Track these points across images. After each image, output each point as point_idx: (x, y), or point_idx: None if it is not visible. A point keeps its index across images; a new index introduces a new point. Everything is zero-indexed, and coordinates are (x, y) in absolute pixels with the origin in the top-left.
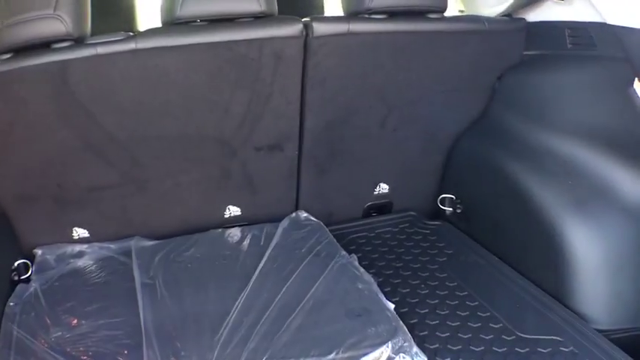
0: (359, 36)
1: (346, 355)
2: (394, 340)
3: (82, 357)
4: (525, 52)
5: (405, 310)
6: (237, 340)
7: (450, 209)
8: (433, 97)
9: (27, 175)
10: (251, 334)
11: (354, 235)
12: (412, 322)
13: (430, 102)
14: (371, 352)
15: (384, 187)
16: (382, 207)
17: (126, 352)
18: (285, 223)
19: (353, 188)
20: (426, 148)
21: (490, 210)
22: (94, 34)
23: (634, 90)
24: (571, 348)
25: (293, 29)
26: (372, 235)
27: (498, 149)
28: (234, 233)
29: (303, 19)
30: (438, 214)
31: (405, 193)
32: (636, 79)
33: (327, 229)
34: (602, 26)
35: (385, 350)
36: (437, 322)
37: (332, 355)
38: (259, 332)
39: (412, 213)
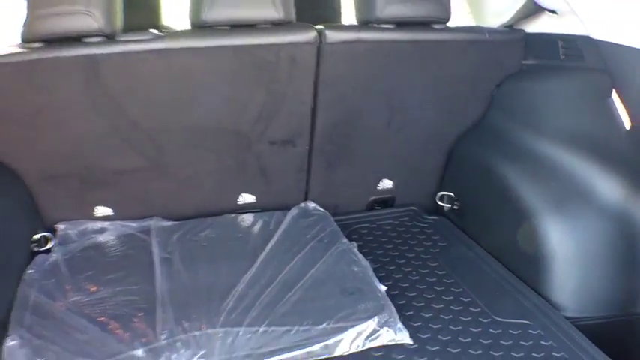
0: (368, 43)
1: (336, 325)
2: (381, 316)
3: (99, 318)
4: (524, 62)
5: (396, 292)
6: (242, 309)
7: (448, 206)
8: (435, 101)
9: (55, 156)
10: (254, 304)
11: (357, 226)
12: (400, 302)
13: (432, 106)
14: (359, 324)
15: (387, 183)
16: (385, 201)
17: (141, 314)
18: (294, 211)
19: (358, 183)
20: (427, 148)
21: (482, 207)
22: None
23: (612, 100)
24: (538, 331)
25: (307, 36)
26: (374, 226)
27: (493, 152)
28: (247, 218)
29: (317, 27)
30: (437, 210)
31: (407, 189)
32: (614, 89)
33: (332, 219)
34: (588, 39)
35: (372, 323)
36: (422, 304)
37: (324, 325)
38: (261, 303)
39: (413, 208)
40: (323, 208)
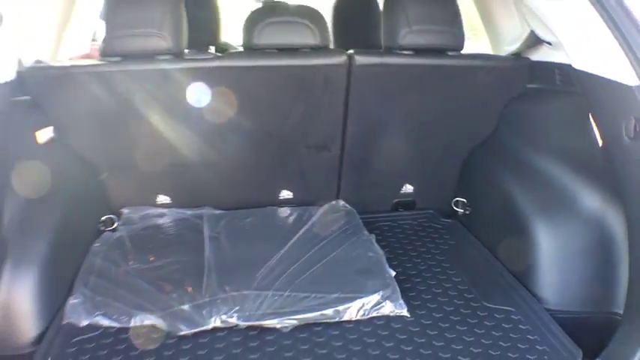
0: (390, 67)
1: (347, 295)
2: (385, 291)
3: (157, 281)
4: (529, 86)
5: (403, 277)
6: (271, 278)
7: (462, 210)
8: (450, 118)
9: (123, 151)
10: (281, 275)
11: (380, 224)
12: (406, 285)
13: (447, 122)
14: (365, 296)
15: (409, 188)
16: (407, 204)
17: (190, 279)
18: (325, 207)
19: (383, 186)
20: (444, 158)
21: (488, 212)
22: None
23: (590, 121)
24: (519, 317)
25: (339, 59)
26: (395, 224)
27: (498, 164)
28: (284, 211)
29: (348, 52)
30: (453, 214)
31: (426, 194)
32: (590, 113)
33: (358, 216)
34: (572, 68)
35: (376, 296)
36: (424, 288)
37: (336, 295)
38: (287, 275)
39: (431, 211)
40: (351, 206)
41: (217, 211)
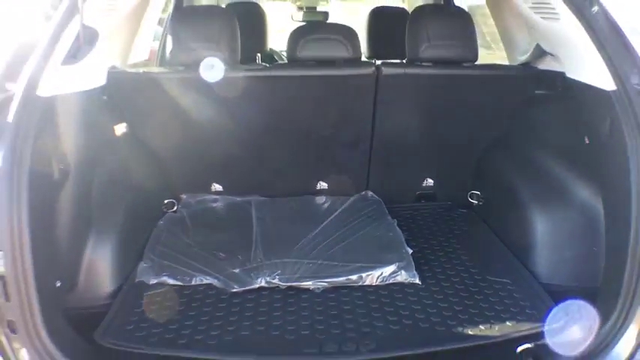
0: (412, 76)
1: (369, 265)
2: (401, 263)
3: (213, 250)
4: (537, 92)
5: (419, 255)
6: (307, 250)
7: (476, 202)
8: (465, 120)
9: (185, 144)
10: (315, 248)
11: (403, 212)
12: (420, 261)
13: (463, 123)
14: (384, 266)
15: (429, 182)
16: (428, 196)
17: (240, 249)
18: (356, 197)
19: (407, 179)
20: (460, 156)
21: (497, 203)
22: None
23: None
24: (514, 287)
25: (368, 70)
26: (416, 213)
27: (507, 161)
28: (320, 199)
29: (376, 63)
30: (468, 205)
31: (445, 187)
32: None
33: (384, 205)
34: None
35: (393, 267)
36: (436, 263)
37: (360, 264)
38: (320, 248)
39: (449, 203)
40: (378, 196)
41: (263, 198)
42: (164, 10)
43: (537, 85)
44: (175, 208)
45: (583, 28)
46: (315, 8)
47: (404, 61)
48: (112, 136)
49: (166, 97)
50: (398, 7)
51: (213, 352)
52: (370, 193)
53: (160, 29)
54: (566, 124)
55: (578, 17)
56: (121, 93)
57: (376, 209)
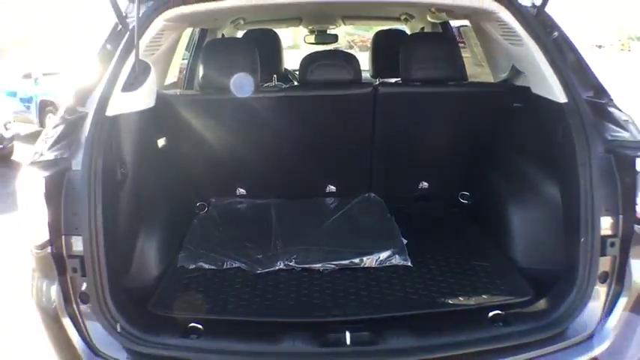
0: (405, 94)
1: (368, 250)
2: (395, 249)
3: (240, 241)
4: (515, 104)
5: (412, 244)
6: (317, 240)
7: (466, 202)
8: (454, 130)
9: (214, 154)
10: (324, 238)
11: (401, 211)
12: (413, 249)
13: (451, 134)
14: (381, 251)
15: (425, 185)
16: (423, 197)
17: (263, 240)
18: (359, 198)
19: (404, 183)
20: (451, 161)
21: (482, 202)
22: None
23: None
24: (492, 269)
25: (367, 90)
26: (412, 212)
27: (490, 165)
28: (329, 200)
29: (373, 84)
30: (459, 205)
31: (439, 189)
32: None
33: (384, 204)
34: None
35: (388, 252)
36: (426, 250)
37: (360, 250)
38: (324, 236)
39: (442, 203)
40: (380, 198)
41: (280, 200)
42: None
43: (514, 99)
44: (206, 209)
45: (541, 52)
46: (325, 31)
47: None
48: (156, 148)
49: (199, 115)
50: (398, 30)
51: (242, 315)
52: (372, 194)
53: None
54: (535, 131)
55: (536, 42)
56: (163, 112)
57: (377, 208)
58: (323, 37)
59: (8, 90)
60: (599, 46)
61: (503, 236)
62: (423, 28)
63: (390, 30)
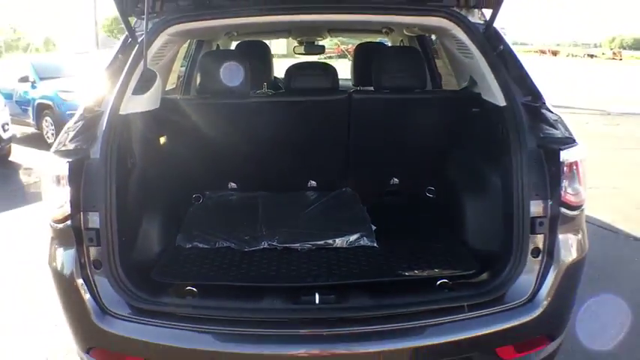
0: (376, 100)
1: (339, 233)
2: (363, 232)
3: (231, 225)
4: (474, 110)
5: (380, 229)
6: (295, 224)
7: (432, 196)
8: (420, 133)
9: (209, 152)
10: (300, 223)
11: (374, 203)
12: (380, 234)
13: (418, 136)
14: (351, 234)
15: (395, 181)
16: (395, 192)
17: (250, 224)
18: (337, 192)
19: (378, 179)
20: (419, 160)
21: (444, 195)
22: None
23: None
24: (445, 249)
25: (343, 96)
26: (384, 204)
27: (452, 162)
28: (310, 194)
29: (348, 91)
30: (425, 199)
31: (408, 184)
32: None
33: (358, 197)
34: None
35: (357, 235)
36: (392, 234)
37: (334, 232)
38: (303, 222)
39: (410, 196)
40: (355, 192)
41: (267, 193)
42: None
43: (472, 104)
44: (201, 200)
45: (487, 63)
46: (313, 43)
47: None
48: (158, 144)
49: (196, 117)
50: (377, 43)
51: (230, 281)
52: (349, 189)
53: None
54: (485, 131)
55: (483, 55)
56: (165, 113)
57: (351, 200)
58: (311, 47)
59: (4, 92)
60: (591, 56)
61: (457, 223)
62: (402, 41)
63: (369, 43)
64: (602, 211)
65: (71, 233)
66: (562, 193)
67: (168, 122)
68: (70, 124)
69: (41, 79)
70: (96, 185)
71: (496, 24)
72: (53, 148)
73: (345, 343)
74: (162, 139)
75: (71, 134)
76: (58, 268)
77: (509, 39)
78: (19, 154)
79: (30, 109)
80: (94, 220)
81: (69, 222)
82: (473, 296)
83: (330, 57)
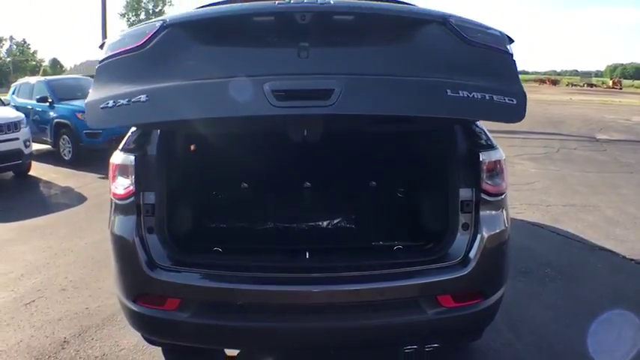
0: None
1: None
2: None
3: (245, 211)
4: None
5: (360, 219)
6: (295, 211)
7: (402, 196)
8: (392, 149)
9: (224, 159)
10: (294, 211)
11: (356, 202)
12: (359, 221)
13: (391, 150)
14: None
15: (373, 184)
16: (373, 193)
17: (260, 212)
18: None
19: (360, 182)
20: (392, 167)
21: (409, 194)
22: None
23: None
24: (406, 231)
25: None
26: (365, 202)
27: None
28: (307, 193)
29: None
30: (397, 197)
31: (383, 187)
32: None
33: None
34: None
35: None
36: (368, 224)
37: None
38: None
39: (385, 196)
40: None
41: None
42: None
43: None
44: (220, 196)
45: None
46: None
47: None
48: (189, 150)
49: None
50: None
51: (247, 244)
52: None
53: None
54: (439, 144)
55: None
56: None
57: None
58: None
59: (24, 111)
60: (591, 85)
61: (417, 212)
62: None
63: None
64: (575, 224)
65: (133, 207)
66: (482, 183)
67: (195, 135)
68: (133, 129)
69: (59, 99)
70: (152, 173)
71: None
72: (121, 147)
73: (328, 284)
74: (192, 147)
75: (134, 137)
76: (119, 233)
77: None
78: (37, 169)
79: (48, 127)
80: (151, 197)
81: (132, 198)
82: (419, 256)
83: None
